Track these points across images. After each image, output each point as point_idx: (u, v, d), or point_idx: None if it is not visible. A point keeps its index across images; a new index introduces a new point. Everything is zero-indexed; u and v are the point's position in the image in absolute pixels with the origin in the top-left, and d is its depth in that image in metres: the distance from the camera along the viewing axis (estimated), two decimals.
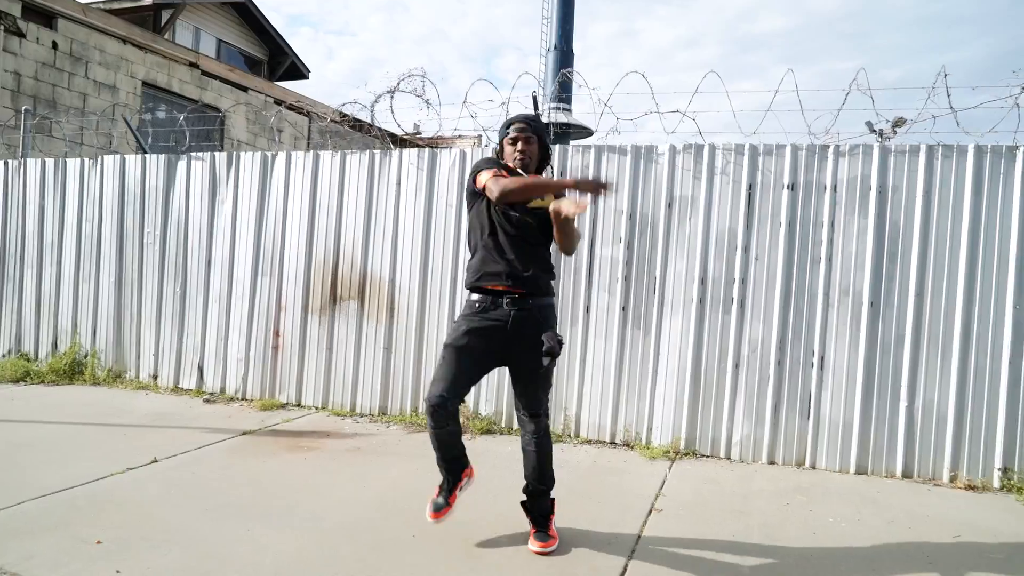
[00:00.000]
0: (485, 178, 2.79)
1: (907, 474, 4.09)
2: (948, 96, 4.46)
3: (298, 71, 18.45)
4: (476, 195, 2.92)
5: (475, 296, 2.92)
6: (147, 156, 6.24)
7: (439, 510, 2.94)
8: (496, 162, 2.93)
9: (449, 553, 2.85)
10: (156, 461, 3.94)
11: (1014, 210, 4.05)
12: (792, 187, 4.44)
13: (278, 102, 14.44)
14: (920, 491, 3.85)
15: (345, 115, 6.79)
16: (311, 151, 5.70)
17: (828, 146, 4.42)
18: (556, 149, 4.96)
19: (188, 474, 3.76)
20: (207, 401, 5.62)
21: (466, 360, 2.85)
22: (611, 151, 4.85)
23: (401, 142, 7.72)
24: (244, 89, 13.90)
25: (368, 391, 5.33)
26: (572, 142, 8.22)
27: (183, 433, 4.58)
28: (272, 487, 3.60)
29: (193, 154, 6.09)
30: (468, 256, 3.06)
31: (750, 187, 4.52)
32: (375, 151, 5.48)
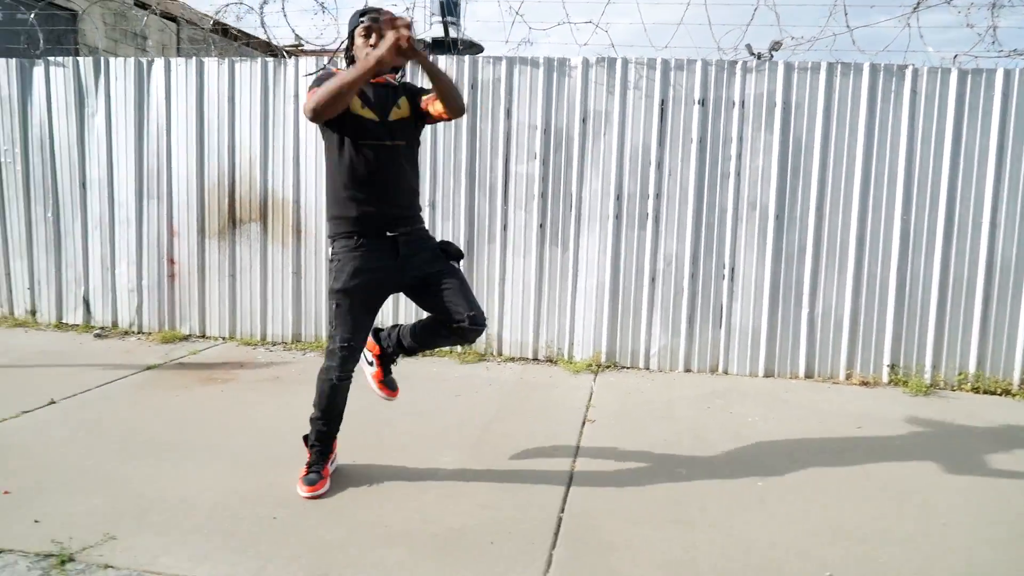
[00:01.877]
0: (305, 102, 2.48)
1: (809, 375, 4.44)
2: (846, 15, 4.63)
3: None
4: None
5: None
6: None
7: (312, 484, 2.62)
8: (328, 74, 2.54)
9: (396, 472, 2.83)
10: (54, 402, 3.61)
11: (902, 127, 4.32)
12: (703, 103, 4.51)
13: (141, 4, 12.92)
14: (821, 389, 4.21)
15: (220, 23, 6.19)
16: (194, 57, 5.17)
17: (736, 62, 4.49)
18: (462, 61, 4.76)
19: (94, 413, 3.48)
20: (99, 336, 5.19)
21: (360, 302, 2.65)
22: (523, 63, 4.70)
23: (284, 53, 7.13)
24: None
25: (279, 318, 5.09)
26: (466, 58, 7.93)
27: (79, 371, 4.22)
28: (190, 421, 3.40)
29: (51, 59, 5.37)
30: None
31: (662, 102, 4.55)
32: (268, 59, 5.04)
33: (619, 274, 4.61)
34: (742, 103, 4.48)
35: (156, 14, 11.53)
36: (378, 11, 2.61)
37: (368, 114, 2.58)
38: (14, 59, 5.44)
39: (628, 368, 4.58)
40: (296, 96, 4.98)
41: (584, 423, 3.48)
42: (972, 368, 4.27)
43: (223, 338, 5.15)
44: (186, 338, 5.14)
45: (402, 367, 4.44)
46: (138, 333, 5.25)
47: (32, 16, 6.00)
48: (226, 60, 5.09)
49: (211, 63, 5.12)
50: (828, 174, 4.39)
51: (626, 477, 2.85)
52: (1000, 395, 4.14)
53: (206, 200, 5.18)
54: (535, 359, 4.71)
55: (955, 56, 4.38)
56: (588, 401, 3.83)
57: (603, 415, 3.60)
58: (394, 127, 2.62)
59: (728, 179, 4.50)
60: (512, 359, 4.71)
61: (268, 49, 6.01)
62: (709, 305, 4.53)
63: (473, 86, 4.75)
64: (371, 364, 2.96)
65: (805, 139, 4.42)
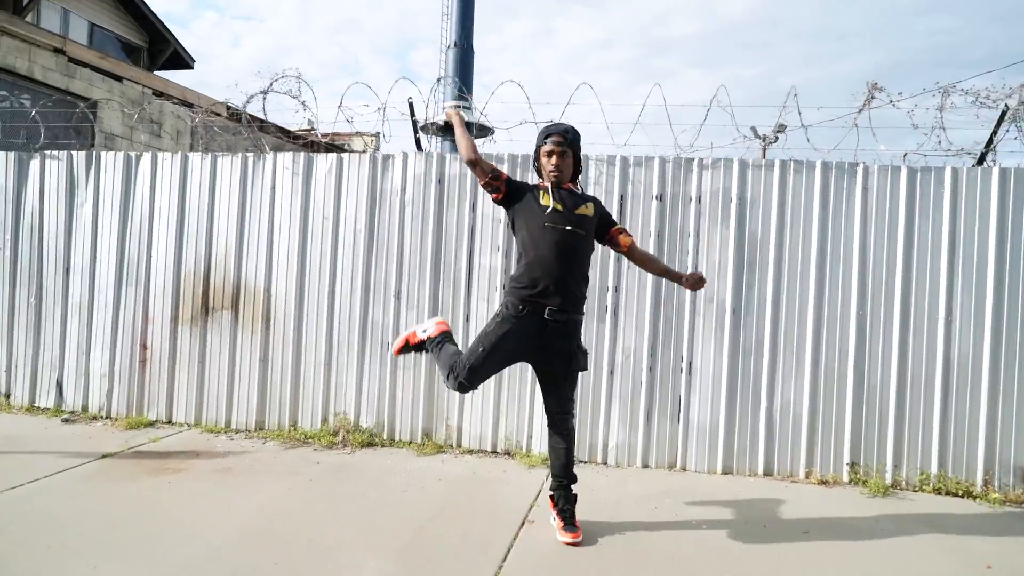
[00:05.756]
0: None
1: (768, 472, 4.34)
2: (799, 114, 4.75)
3: (182, 60, 17.45)
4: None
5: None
6: None
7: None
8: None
9: None
10: None
11: (855, 221, 4.36)
12: (660, 198, 4.60)
13: (158, 94, 13.59)
14: (778, 489, 4.09)
15: (236, 111, 6.49)
16: (179, 153, 5.41)
17: (693, 159, 4.61)
18: (431, 157, 4.93)
19: (32, 507, 3.48)
20: (66, 421, 5.23)
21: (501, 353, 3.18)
22: (488, 159, 4.85)
23: (293, 139, 7.38)
24: (119, 79, 12.98)
25: (244, 406, 5.12)
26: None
27: (34, 459, 4.25)
28: (127, 517, 3.38)
29: (47, 152, 5.64)
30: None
31: (621, 197, 4.65)
32: (248, 154, 5.26)
33: None
34: (699, 199, 4.56)
35: (173, 102, 12.10)
36: (561, 133, 3.18)
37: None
38: (12, 152, 5.72)
39: (586, 463, 4.50)
40: (272, 188, 5.16)
41: (523, 524, 3.41)
42: (934, 468, 4.15)
43: (189, 424, 5.17)
44: (152, 424, 5.17)
45: (356, 459, 4.44)
46: (106, 418, 5.29)
47: (34, 111, 6.36)
48: (209, 155, 5.32)
49: (195, 157, 5.35)
50: (784, 268, 4.42)
51: None
52: (962, 497, 3.99)
53: (182, 287, 5.30)
54: (493, 452, 4.65)
55: (904, 155, 4.47)
56: (535, 500, 3.75)
57: (545, 515, 3.51)
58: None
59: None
60: (471, 451, 4.66)
61: (285, 134, 6.35)
62: (667, 399, 4.48)
63: (440, 180, 4.90)
64: (555, 519, 3.34)
65: (761, 233, 4.47)
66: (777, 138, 5.08)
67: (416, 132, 5.19)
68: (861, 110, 4.33)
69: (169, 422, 5.23)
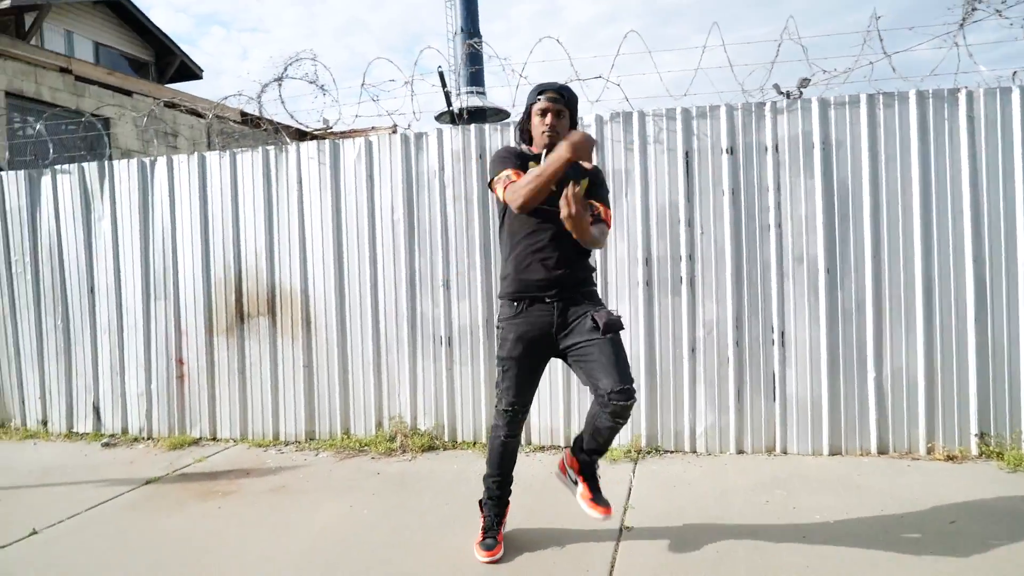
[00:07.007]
0: (499, 191, 2.60)
1: (883, 450, 3.83)
2: (881, 40, 4.19)
3: (190, 71, 17.18)
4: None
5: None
6: (2, 173, 5.40)
7: (491, 549, 2.76)
8: (514, 156, 2.68)
9: None
10: (36, 532, 3.29)
11: (962, 156, 3.82)
12: (731, 151, 4.10)
13: (170, 105, 13.31)
14: (900, 468, 3.58)
15: (247, 114, 6.11)
16: (195, 153, 5.02)
17: (764, 104, 4.10)
18: (468, 131, 4.48)
19: (74, 545, 3.13)
20: (106, 445, 4.91)
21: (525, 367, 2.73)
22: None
23: (311, 137, 7.02)
24: (128, 94, 12.70)
25: (291, 416, 4.74)
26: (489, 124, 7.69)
27: (74, 490, 3.92)
28: (177, 550, 3.01)
29: (58, 168, 5.29)
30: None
31: (687, 154, 4.16)
32: (269, 147, 4.85)
33: (654, 346, 4.14)
34: (776, 147, 4.05)
35: (190, 113, 11.80)
36: (557, 90, 2.67)
37: None
38: (22, 171, 5.39)
39: (672, 452, 4.05)
40: (299, 181, 4.76)
41: (621, 531, 2.97)
42: None
43: (234, 440, 4.82)
44: (196, 441, 4.83)
45: (418, 467, 4.04)
46: (147, 439, 4.97)
47: (39, 127, 6.03)
48: (227, 152, 4.93)
49: (212, 157, 4.97)
50: (882, 218, 3.89)
51: None
52: None
53: (213, 296, 4.94)
54: (568, 446, 4.21)
55: (1014, 73, 3.90)
56: (626, 500, 3.31)
57: (643, 518, 3.07)
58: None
59: (768, 232, 4.04)
60: (542, 448, 4.24)
61: (301, 136, 5.96)
62: (759, 375, 4.00)
63: (481, 156, 4.45)
64: (575, 483, 2.81)
65: (852, 181, 3.95)
66: (801, 93, 4.52)
67: (449, 104, 4.74)
68: (962, 25, 3.76)
69: (214, 439, 4.88)
